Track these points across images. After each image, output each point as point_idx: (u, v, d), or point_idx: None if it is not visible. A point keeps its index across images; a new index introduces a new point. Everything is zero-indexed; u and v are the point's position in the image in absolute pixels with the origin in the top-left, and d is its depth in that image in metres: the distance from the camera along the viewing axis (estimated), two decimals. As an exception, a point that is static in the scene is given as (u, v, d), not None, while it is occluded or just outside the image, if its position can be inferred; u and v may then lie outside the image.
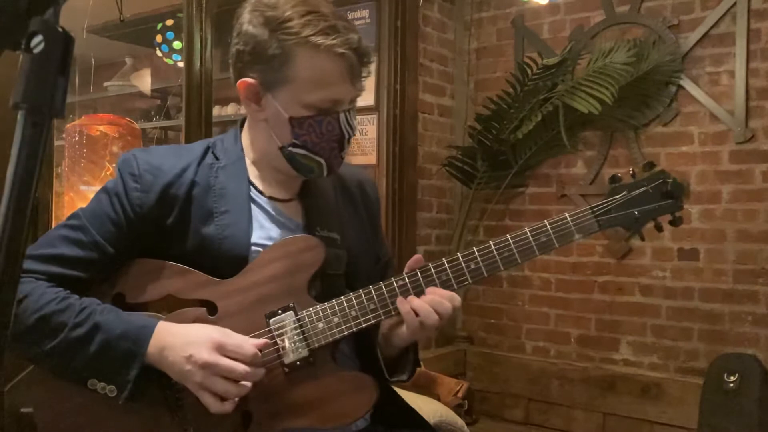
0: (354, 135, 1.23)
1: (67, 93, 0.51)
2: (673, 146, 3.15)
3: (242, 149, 1.28)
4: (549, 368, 3.42)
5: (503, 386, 3.52)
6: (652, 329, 3.20)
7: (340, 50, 1.12)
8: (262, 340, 1.11)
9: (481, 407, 3.50)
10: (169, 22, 3.33)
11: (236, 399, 1.08)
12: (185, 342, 1.08)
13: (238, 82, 1.20)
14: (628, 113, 3.18)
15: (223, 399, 1.08)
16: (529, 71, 3.12)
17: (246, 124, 1.31)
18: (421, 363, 1.33)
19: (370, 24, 3.39)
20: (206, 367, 1.06)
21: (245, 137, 1.30)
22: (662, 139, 3.18)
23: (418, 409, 2.31)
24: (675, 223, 1.19)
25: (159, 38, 3.37)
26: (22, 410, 1.18)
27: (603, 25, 3.31)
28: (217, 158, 1.25)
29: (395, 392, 1.37)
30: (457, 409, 2.68)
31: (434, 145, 3.61)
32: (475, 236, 3.63)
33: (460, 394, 2.68)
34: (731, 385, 2.62)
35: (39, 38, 0.48)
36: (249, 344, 1.08)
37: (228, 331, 1.10)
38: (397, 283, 1.16)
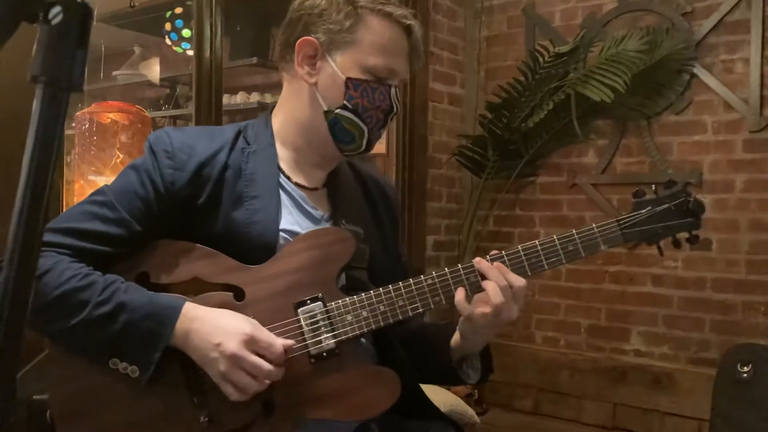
0: (399, 112, 1.27)
1: (85, 66, 0.49)
2: (686, 135, 3.12)
3: (272, 135, 1.28)
4: (559, 358, 3.41)
5: (513, 376, 3.50)
6: (664, 319, 3.18)
7: (408, 22, 1.20)
8: (291, 341, 1.09)
9: (491, 397, 3.49)
10: (178, 10, 3.31)
11: (257, 392, 1.07)
12: (215, 328, 1.06)
13: (300, 41, 1.21)
14: (641, 102, 3.15)
15: (243, 393, 1.06)
16: (540, 59, 3.09)
17: (280, 103, 1.30)
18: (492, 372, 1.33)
19: (380, 12, 3.36)
20: (233, 359, 1.04)
21: (277, 120, 1.29)
22: (675, 128, 3.15)
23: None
24: (692, 240, 1.23)
25: (168, 26, 3.35)
26: (34, 397, 1.17)
27: (615, 13, 3.28)
28: (248, 143, 1.25)
29: (415, 384, 1.36)
30: (467, 399, 2.68)
31: (444, 135, 3.59)
32: (485, 226, 3.61)
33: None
34: (744, 375, 2.59)
35: (57, 9, 0.47)
36: (279, 343, 1.07)
37: (259, 325, 1.09)
38: (426, 281, 1.15)
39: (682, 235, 1.23)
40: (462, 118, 3.71)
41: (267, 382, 1.07)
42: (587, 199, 3.37)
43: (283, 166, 1.26)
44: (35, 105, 0.48)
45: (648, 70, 3.04)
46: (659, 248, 1.23)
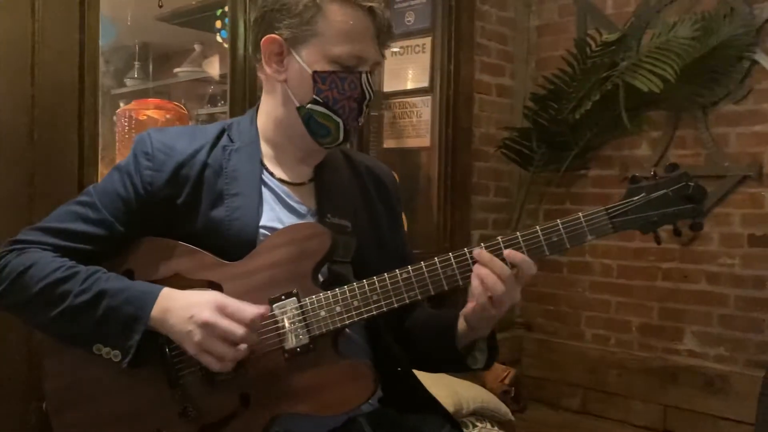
0: (373, 98, 1.25)
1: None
2: (745, 126, 2.95)
3: (257, 132, 1.30)
4: (608, 357, 3.31)
5: (560, 374, 3.43)
6: (719, 319, 3.03)
7: (368, 4, 1.17)
8: (264, 307, 1.10)
9: (537, 395, 3.44)
10: (228, 8, 3.38)
11: (234, 360, 1.08)
12: (187, 304, 1.09)
13: (263, 40, 1.21)
14: (696, 91, 3.00)
15: (221, 361, 1.08)
16: (587, 49, 2.99)
17: (262, 100, 1.32)
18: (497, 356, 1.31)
19: (426, 4, 3.34)
20: (206, 326, 1.06)
21: (261, 117, 1.31)
22: (733, 119, 2.98)
23: (455, 394, 2.32)
24: (695, 228, 1.14)
25: (218, 24, 3.43)
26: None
27: (670, -1, 3.13)
28: (231, 140, 1.27)
29: (412, 376, 1.36)
30: (503, 395, 2.64)
31: (492, 127, 3.53)
32: (535, 220, 3.53)
33: (506, 381, 2.64)
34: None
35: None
36: (249, 308, 1.08)
37: (229, 296, 1.11)
38: (401, 275, 1.14)
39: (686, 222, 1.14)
40: (511, 109, 3.64)
41: (243, 347, 1.07)
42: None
43: (267, 162, 1.28)
44: None
45: (703, 58, 2.88)
46: (657, 238, 1.15)
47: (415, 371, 1.36)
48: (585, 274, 3.45)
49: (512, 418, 2.49)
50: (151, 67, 4.39)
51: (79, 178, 1.86)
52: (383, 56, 1.25)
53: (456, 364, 1.28)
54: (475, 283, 1.11)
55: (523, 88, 3.60)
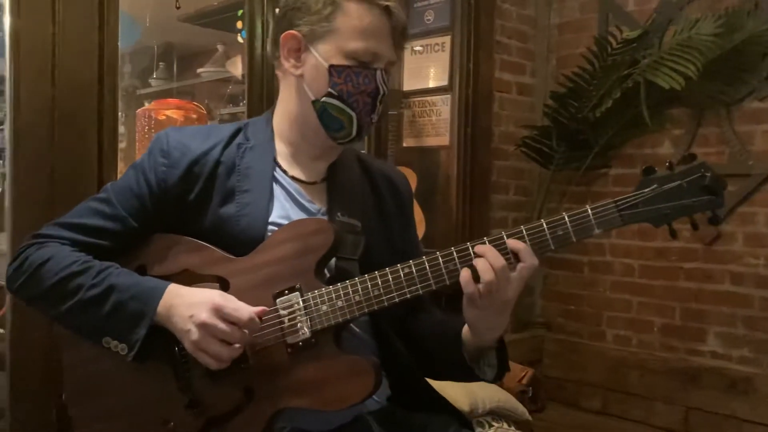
0: (387, 95, 1.27)
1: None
2: (771, 123, 2.90)
3: (272, 131, 1.32)
4: (629, 358, 3.27)
5: (581, 375, 3.40)
6: (744, 320, 2.98)
7: (385, 3, 1.21)
8: (261, 308, 1.12)
9: (557, 395, 3.41)
10: (245, 9, 3.42)
11: (230, 358, 1.10)
12: (189, 303, 1.11)
13: (282, 36, 1.25)
14: (720, 88, 2.95)
15: (216, 360, 1.10)
16: (608, 46, 2.96)
17: (278, 100, 1.34)
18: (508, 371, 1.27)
19: (445, 3, 3.33)
20: (203, 327, 1.08)
21: (276, 117, 1.34)
22: (758, 116, 2.93)
23: (471, 394, 2.31)
24: (713, 221, 1.09)
25: (239, 24, 3.46)
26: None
27: (693, -5, 3.08)
28: (247, 139, 1.30)
29: (419, 377, 1.36)
30: (520, 395, 2.62)
31: (512, 125, 3.51)
32: (555, 219, 3.50)
33: (524, 381, 2.63)
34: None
35: None
36: (246, 310, 1.10)
37: (229, 296, 1.13)
38: (403, 270, 1.14)
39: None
40: (532, 108, 3.62)
41: (238, 347, 1.10)
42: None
43: (281, 160, 1.30)
44: None
45: (727, 55, 2.83)
46: (672, 231, 1.11)
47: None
48: (606, 274, 3.42)
49: (529, 418, 2.48)
50: (175, 67, 4.44)
51: (99, 177, 1.90)
52: (397, 57, 1.27)
53: (463, 372, 1.26)
54: (463, 273, 1.09)
55: (544, 86, 3.57)
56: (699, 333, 3.11)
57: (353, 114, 1.23)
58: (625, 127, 3.16)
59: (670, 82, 2.75)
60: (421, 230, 3.19)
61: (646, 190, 1.09)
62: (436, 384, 1.38)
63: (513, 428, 2.39)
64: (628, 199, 1.10)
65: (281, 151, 1.31)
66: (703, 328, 3.10)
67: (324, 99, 1.23)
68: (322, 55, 1.22)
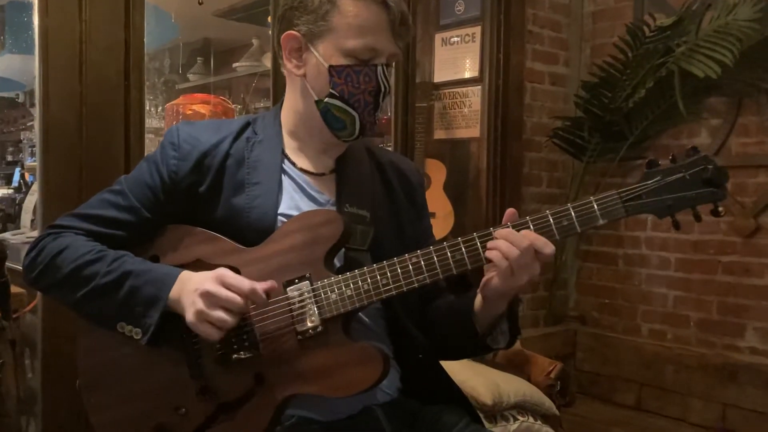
0: (390, 91, 1.27)
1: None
2: (813, 112, 2.80)
3: (280, 125, 1.34)
4: (665, 353, 3.20)
5: (615, 369, 3.35)
6: (784, 316, 2.89)
7: None
8: (269, 283, 1.13)
9: (591, 389, 3.37)
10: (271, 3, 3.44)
11: (229, 325, 1.12)
12: (198, 280, 1.14)
13: (283, 36, 1.25)
14: (759, 76, 2.86)
15: (219, 329, 1.12)
16: (641, 34, 2.89)
17: (285, 95, 1.36)
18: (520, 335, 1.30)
19: (476, -7, 3.30)
20: (207, 295, 1.10)
21: (284, 112, 1.35)
22: (800, 104, 2.83)
23: (496, 387, 2.30)
24: (715, 214, 1.10)
25: (270, 19, 3.50)
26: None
27: (732, -20, 2.98)
28: (255, 133, 1.32)
29: (435, 366, 1.36)
30: (548, 389, 2.59)
31: (545, 116, 3.46)
32: (589, 211, 3.44)
33: (552, 375, 2.59)
34: None
35: None
36: (249, 281, 1.12)
37: (230, 271, 1.15)
38: (411, 260, 1.15)
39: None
40: (566, 98, 3.56)
41: (238, 315, 1.11)
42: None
43: (290, 153, 1.32)
44: None
45: (766, 41, 2.74)
46: (675, 223, 1.12)
47: (443, 363, 1.37)
48: (641, 267, 3.35)
49: (557, 412, 2.45)
50: (212, 62, 4.51)
51: (126, 171, 1.94)
52: (400, 48, 1.26)
53: (475, 344, 1.27)
54: (492, 254, 1.11)
55: (577, 76, 3.51)
56: (737, 328, 3.02)
57: (355, 114, 1.24)
58: (660, 118, 3.09)
59: (705, 70, 2.68)
60: (449, 222, 3.18)
61: (649, 181, 1.10)
62: (456, 378, 1.38)
63: (539, 422, 2.37)
64: (632, 191, 1.10)
65: (290, 144, 1.33)
66: (741, 323, 3.01)
67: (327, 99, 1.24)
68: (321, 55, 1.22)
